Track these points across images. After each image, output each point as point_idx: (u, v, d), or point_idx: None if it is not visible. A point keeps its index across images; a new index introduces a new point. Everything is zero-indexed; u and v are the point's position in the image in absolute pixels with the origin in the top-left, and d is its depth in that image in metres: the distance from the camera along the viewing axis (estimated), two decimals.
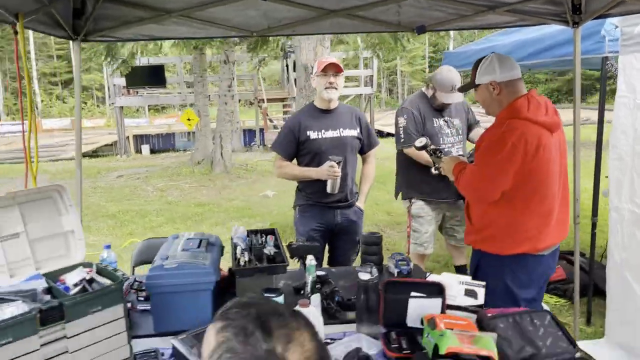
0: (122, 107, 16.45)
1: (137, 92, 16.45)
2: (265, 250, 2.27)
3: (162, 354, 1.55)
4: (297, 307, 1.86)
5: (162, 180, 10.10)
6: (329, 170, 3.00)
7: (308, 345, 0.89)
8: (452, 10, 2.72)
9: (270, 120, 16.41)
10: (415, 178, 3.69)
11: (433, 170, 3.13)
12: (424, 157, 3.31)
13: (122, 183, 10.30)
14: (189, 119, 9.99)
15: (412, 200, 3.77)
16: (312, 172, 3.14)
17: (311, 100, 5.53)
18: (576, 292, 3.39)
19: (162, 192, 9.18)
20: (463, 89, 2.59)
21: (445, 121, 3.65)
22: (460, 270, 3.98)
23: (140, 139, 17.92)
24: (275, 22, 2.83)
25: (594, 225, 3.64)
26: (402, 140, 3.63)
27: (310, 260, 2.06)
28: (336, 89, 3.09)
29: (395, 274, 2.55)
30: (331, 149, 3.14)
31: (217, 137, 10.90)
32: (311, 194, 3.20)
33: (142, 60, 12.24)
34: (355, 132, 3.21)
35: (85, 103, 34.57)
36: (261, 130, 16.86)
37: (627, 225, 2.91)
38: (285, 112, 17.41)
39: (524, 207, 2.32)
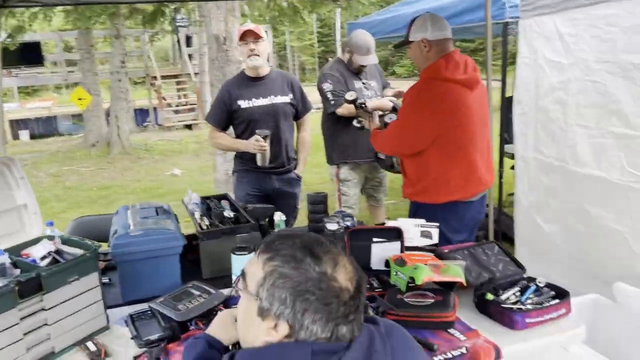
0: None
1: (10, 73, 14.99)
2: (225, 213, 2.31)
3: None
4: None
5: (54, 166, 9.42)
6: (255, 144, 3.04)
7: (349, 267, 1.02)
8: None
9: (164, 99, 15.78)
10: (341, 143, 3.85)
11: (355, 123, 3.34)
12: (352, 111, 3.45)
13: None
14: (80, 99, 9.31)
15: (340, 166, 3.94)
16: (241, 145, 3.18)
17: (225, 72, 5.50)
18: (491, 237, 3.80)
19: (56, 177, 8.59)
20: (397, 46, 2.74)
21: (364, 83, 3.84)
22: None
23: (17, 124, 16.39)
24: None
25: (500, 175, 4.06)
26: (332, 102, 3.73)
27: (280, 215, 2.13)
28: (259, 55, 3.10)
29: (343, 229, 2.70)
30: (263, 116, 3.18)
31: (113, 117, 10.35)
32: (247, 160, 3.24)
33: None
34: (287, 99, 3.26)
35: None
36: (155, 109, 16.18)
37: (533, 172, 3.29)
38: (179, 90, 16.81)
39: (450, 160, 2.53)
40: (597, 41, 2.73)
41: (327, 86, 3.76)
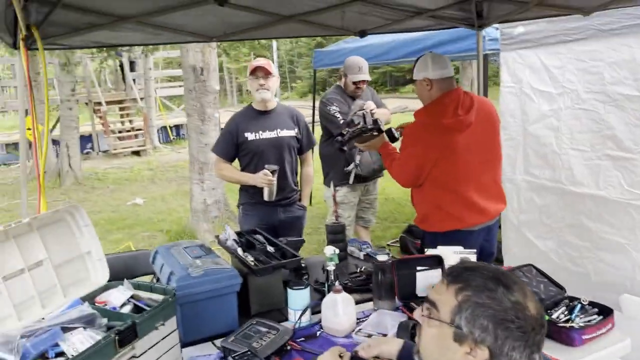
0: None
1: None
2: (268, 248, 2.36)
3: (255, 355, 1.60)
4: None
5: (5, 199, 8.93)
6: (263, 179, 3.10)
7: (534, 297, 1.10)
8: (388, 15, 3.03)
9: (108, 125, 15.30)
10: (341, 165, 3.98)
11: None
12: None
13: None
14: (29, 129, 8.90)
15: (337, 188, 4.06)
16: (248, 179, 3.22)
17: (202, 102, 5.52)
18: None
19: (8, 212, 8.15)
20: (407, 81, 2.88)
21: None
22: None
23: None
24: (232, 28, 2.86)
25: None
26: (342, 122, 3.82)
27: (334, 250, 2.21)
28: (268, 90, 3.19)
29: (362, 257, 2.82)
30: (269, 149, 3.24)
31: (64, 146, 9.98)
32: (254, 194, 3.28)
33: None
34: (293, 132, 3.33)
35: None
36: (98, 135, 15.68)
37: (523, 192, 3.54)
38: (123, 115, 16.37)
39: (442, 192, 2.67)
40: (584, 73, 3.03)
41: (333, 108, 3.91)
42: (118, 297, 1.74)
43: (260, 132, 3.25)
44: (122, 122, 16.29)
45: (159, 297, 1.78)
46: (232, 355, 1.55)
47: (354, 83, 3.94)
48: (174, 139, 17.73)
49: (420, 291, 2.20)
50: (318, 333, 2.03)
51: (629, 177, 2.75)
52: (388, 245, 5.41)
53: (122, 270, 3.00)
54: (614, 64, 2.85)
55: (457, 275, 1.12)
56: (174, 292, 1.77)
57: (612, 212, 2.86)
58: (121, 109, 16.43)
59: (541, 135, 3.34)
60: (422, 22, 3.21)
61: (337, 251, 2.21)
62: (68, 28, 2.44)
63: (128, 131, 15.81)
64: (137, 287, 1.83)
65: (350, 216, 4.21)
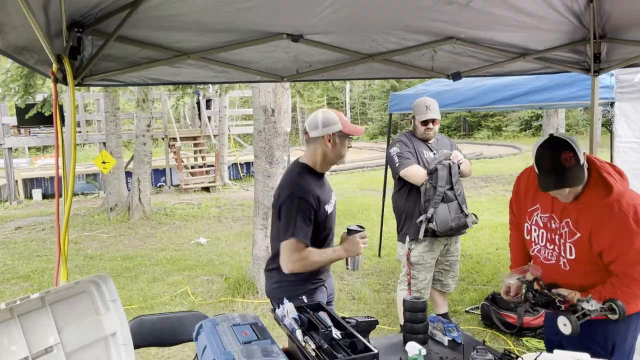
0: (11, 149, 14.82)
1: (29, 132, 14.95)
2: (334, 333, 1.92)
3: None
4: None
5: (74, 231, 9.03)
6: (360, 242, 2.46)
7: None
8: (485, 56, 2.61)
9: (182, 161, 15.59)
10: (415, 219, 3.53)
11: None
12: (418, 175, 3.45)
13: (25, 236, 9.07)
14: (104, 162, 9.08)
15: (412, 247, 3.59)
16: (343, 252, 2.48)
17: (271, 144, 5.23)
18: None
19: (76, 244, 8.19)
20: (572, 182, 2.04)
21: (434, 154, 3.63)
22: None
23: (30, 182, 16.18)
24: (305, 67, 2.53)
25: None
26: (397, 164, 3.55)
27: (420, 349, 1.74)
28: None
29: (446, 343, 2.31)
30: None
31: (135, 180, 10.08)
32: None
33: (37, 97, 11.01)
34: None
35: None
36: (171, 170, 16.00)
37: None
38: (196, 152, 16.68)
39: None
40: None
41: (393, 150, 3.61)
42: None
43: (330, 201, 2.56)
44: (195, 158, 16.59)
45: None
46: None
47: (423, 123, 3.59)
48: (243, 175, 17.86)
49: None
50: None
51: None
52: (466, 312, 4.79)
53: (168, 334, 2.67)
54: None
55: None
56: None
57: None
58: (195, 144, 16.75)
59: None
60: (527, 64, 2.74)
61: (424, 352, 1.74)
62: (124, 63, 2.18)
63: (200, 167, 16.05)
64: None
65: (426, 279, 3.71)
